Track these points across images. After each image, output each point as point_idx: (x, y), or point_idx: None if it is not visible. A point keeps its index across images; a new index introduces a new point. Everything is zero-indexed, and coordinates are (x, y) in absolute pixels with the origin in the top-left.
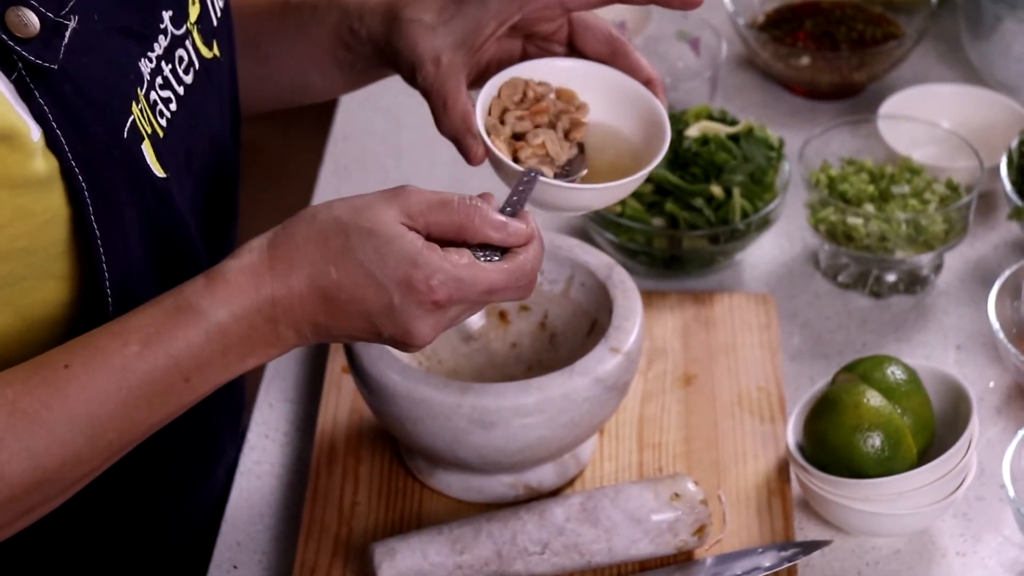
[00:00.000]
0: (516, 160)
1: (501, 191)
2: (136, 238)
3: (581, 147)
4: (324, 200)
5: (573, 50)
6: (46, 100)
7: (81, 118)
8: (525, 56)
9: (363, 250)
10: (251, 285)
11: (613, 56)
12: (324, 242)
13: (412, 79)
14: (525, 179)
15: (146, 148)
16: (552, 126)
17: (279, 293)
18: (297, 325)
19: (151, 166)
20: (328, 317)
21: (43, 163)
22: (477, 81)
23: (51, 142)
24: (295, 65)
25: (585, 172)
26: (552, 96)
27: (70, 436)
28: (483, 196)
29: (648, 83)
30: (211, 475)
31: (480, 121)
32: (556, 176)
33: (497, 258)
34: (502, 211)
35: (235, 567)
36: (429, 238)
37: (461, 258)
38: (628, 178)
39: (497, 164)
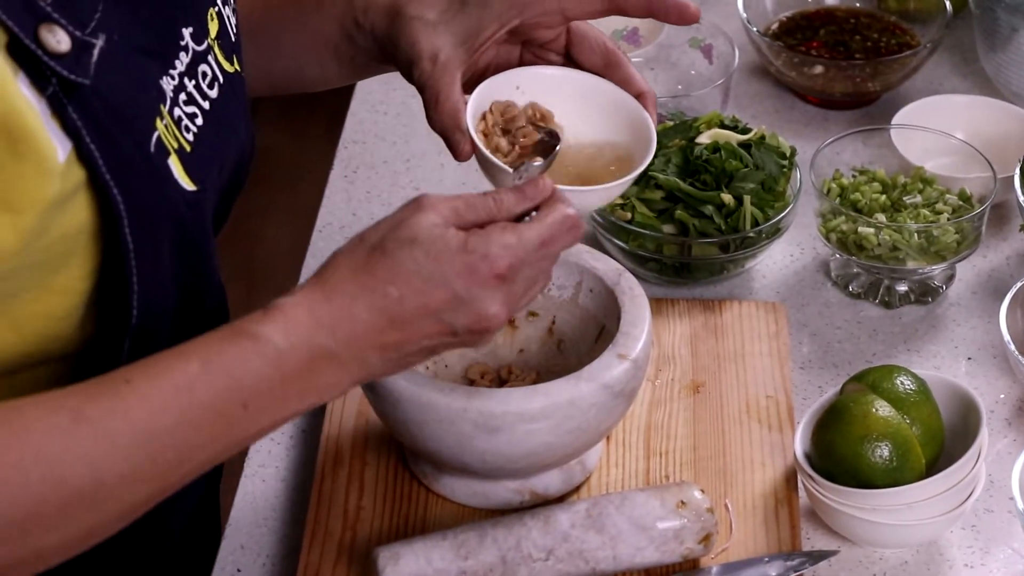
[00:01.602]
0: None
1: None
2: (167, 252)
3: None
4: (333, 203)
5: (569, 60)
6: (78, 115)
7: (111, 133)
8: (522, 63)
9: (413, 259)
10: (309, 316)
11: (607, 68)
12: (372, 269)
13: (409, 75)
14: (524, 170)
15: (173, 163)
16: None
17: (339, 322)
18: (361, 354)
19: (179, 180)
20: (397, 334)
21: (64, 182)
22: (473, 84)
23: (83, 156)
24: (291, 56)
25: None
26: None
27: (131, 449)
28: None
29: (640, 96)
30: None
31: (470, 119)
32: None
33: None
34: None
35: (239, 570)
36: None
37: (503, 228)
38: (609, 184)
39: (483, 161)
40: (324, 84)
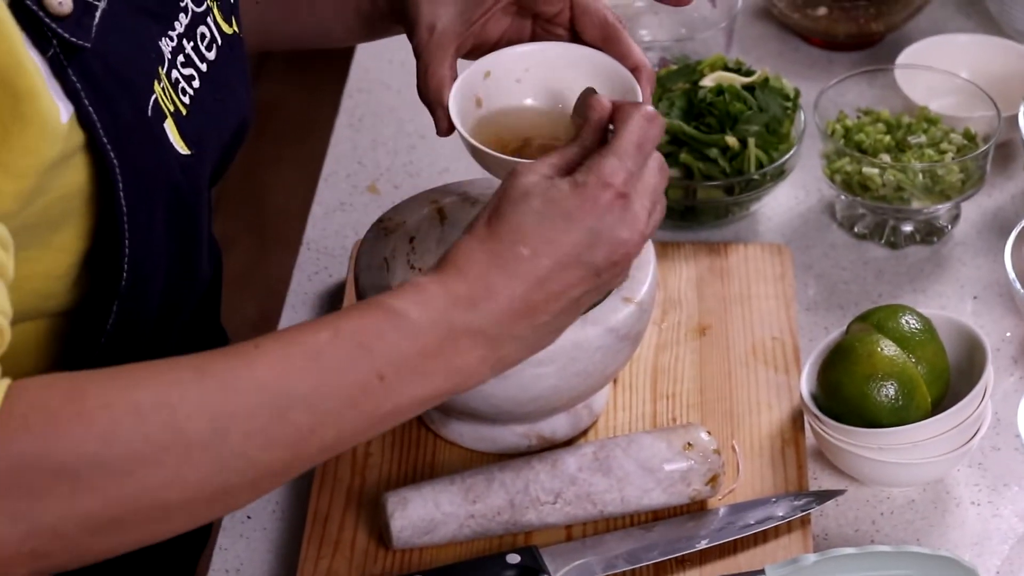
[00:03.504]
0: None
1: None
2: (160, 215)
3: None
4: (339, 152)
5: (573, 33)
6: (78, 78)
7: (110, 96)
8: (535, 36)
9: (532, 212)
10: (444, 291)
11: (605, 41)
12: (497, 235)
13: (411, 40)
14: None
15: (168, 126)
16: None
17: (479, 296)
18: (512, 329)
19: (174, 144)
20: (542, 293)
21: (66, 144)
22: (483, 55)
23: (82, 119)
24: (319, 12)
25: None
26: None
27: (256, 407)
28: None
29: (635, 70)
30: None
31: (453, 98)
32: None
33: None
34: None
35: (249, 517)
36: None
37: (599, 154)
38: None
39: (472, 149)
40: (348, 41)
